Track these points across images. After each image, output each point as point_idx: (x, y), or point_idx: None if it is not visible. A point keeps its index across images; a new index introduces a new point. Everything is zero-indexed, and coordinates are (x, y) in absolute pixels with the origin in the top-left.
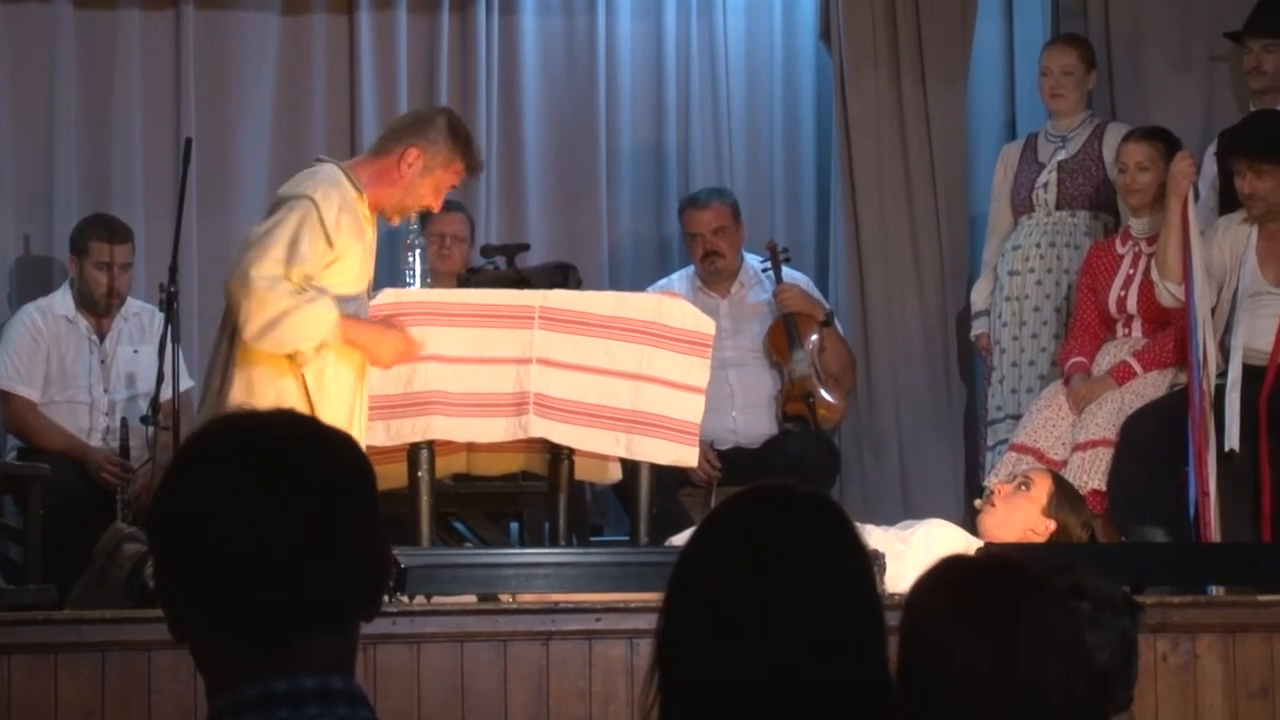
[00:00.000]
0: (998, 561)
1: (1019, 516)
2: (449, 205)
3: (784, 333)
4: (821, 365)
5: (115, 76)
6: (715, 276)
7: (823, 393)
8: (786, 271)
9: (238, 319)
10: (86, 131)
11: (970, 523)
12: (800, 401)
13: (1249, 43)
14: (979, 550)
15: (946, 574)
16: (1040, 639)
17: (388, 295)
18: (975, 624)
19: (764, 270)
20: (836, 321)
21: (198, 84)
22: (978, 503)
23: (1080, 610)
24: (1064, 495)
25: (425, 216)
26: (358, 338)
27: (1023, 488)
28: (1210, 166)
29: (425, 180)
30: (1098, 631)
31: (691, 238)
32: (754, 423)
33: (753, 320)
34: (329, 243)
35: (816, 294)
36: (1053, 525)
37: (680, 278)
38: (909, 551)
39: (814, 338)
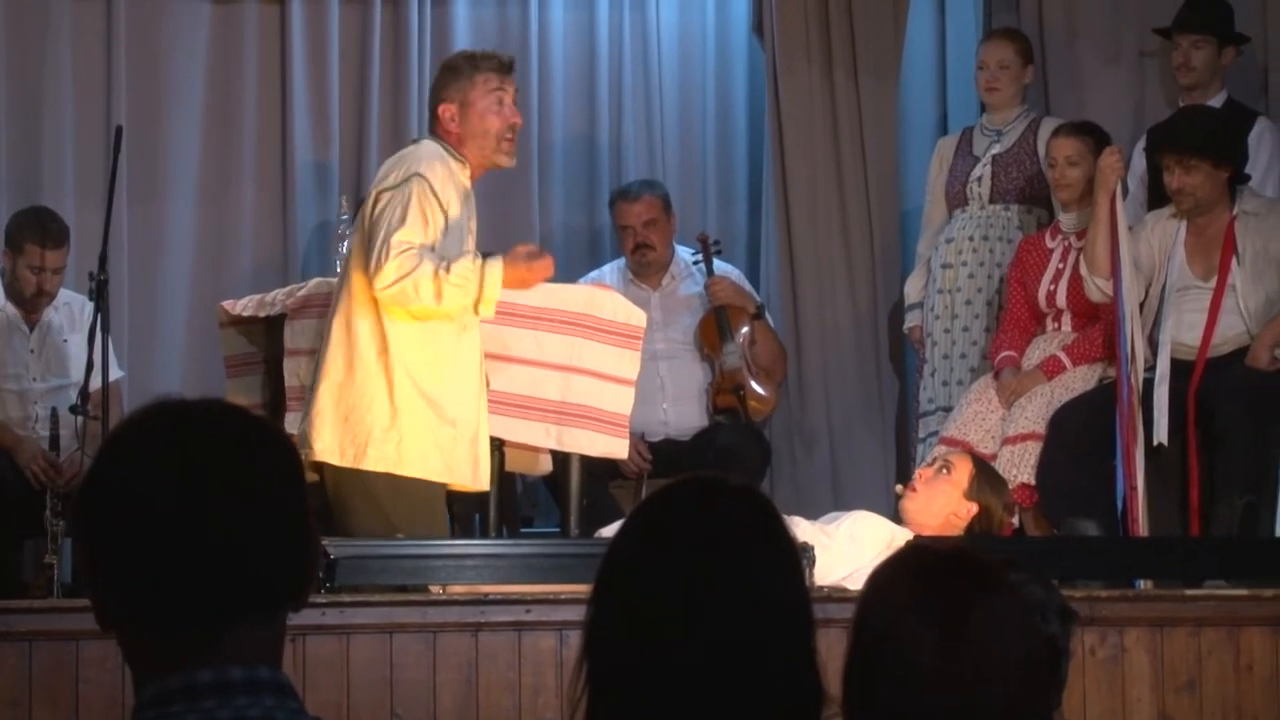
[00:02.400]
0: (951, 553)
1: (940, 500)
2: None
3: (715, 325)
4: (752, 358)
5: (45, 63)
6: (646, 269)
7: (753, 385)
8: (718, 264)
9: (381, 289)
10: (16, 119)
11: (899, 514)
12: (731, 394)
13: (1178, 39)
14: (918, 540)
15: (900, 563)
16: (988, 631)
17: (318, 285)
18: (923, 612)
19: (695, 262)
20: (768, 314)
21: (129, 71)
22: (898, 488)
23: None
24: (984, 477)
25: (357, 209)
26: (510, 278)
27: (943, 471)
28: (1139, 161)
29: (473, 113)
30: None
31: (622, 230)
32: (685, 415)
33: (684, 312)
34: (443, 212)
35: (748, 287)
36: (974, 508)
37: (611, 269)
38: (834, 544)
39: (745, 330)
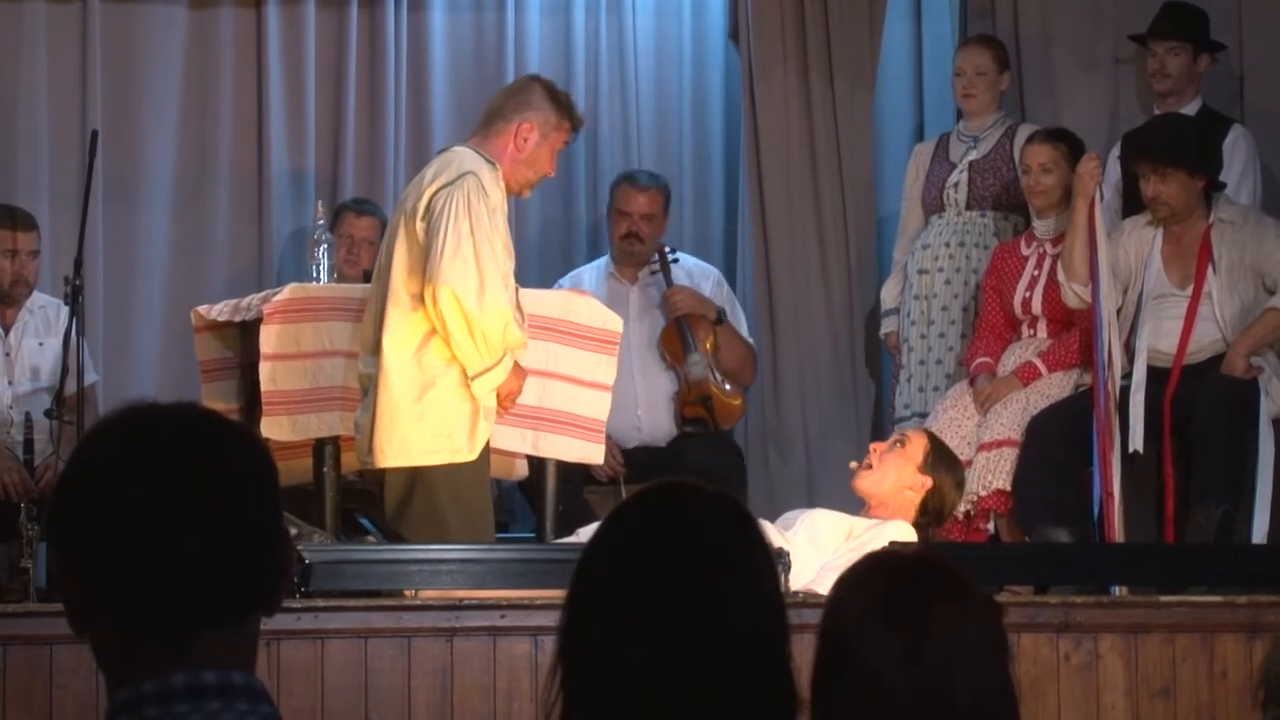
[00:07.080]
0: (918, 560)
1: (894, 474)
2: (361, 208)
3: (677, 336)
4: (717, 364)
5: (21, 68)
6: (630, 258)
7: (721, 390)
8: (682, 259)
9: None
10: None
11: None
12: (698, 404)
13: (1153, 45)
14: (894, 546)
15: (866, 569)
16: (951, 640)
17: (294, 290)
18: (886, 619)
19: (653, 273)
20: (729, 318)
21: (104, 77)
22: (853, 465)
23: None
24: (939, 454)
25: (336, 217)
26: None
27: (898, 445)
28: (1114, 169)
29: (542, 149)
30: None
31: (620, 214)
32: (659, 421)
33: (655, 312)
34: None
35: (708, 290)
36: (928, 482)
37: (590, 269)
38: (793, 549)
39: (708, 339)
